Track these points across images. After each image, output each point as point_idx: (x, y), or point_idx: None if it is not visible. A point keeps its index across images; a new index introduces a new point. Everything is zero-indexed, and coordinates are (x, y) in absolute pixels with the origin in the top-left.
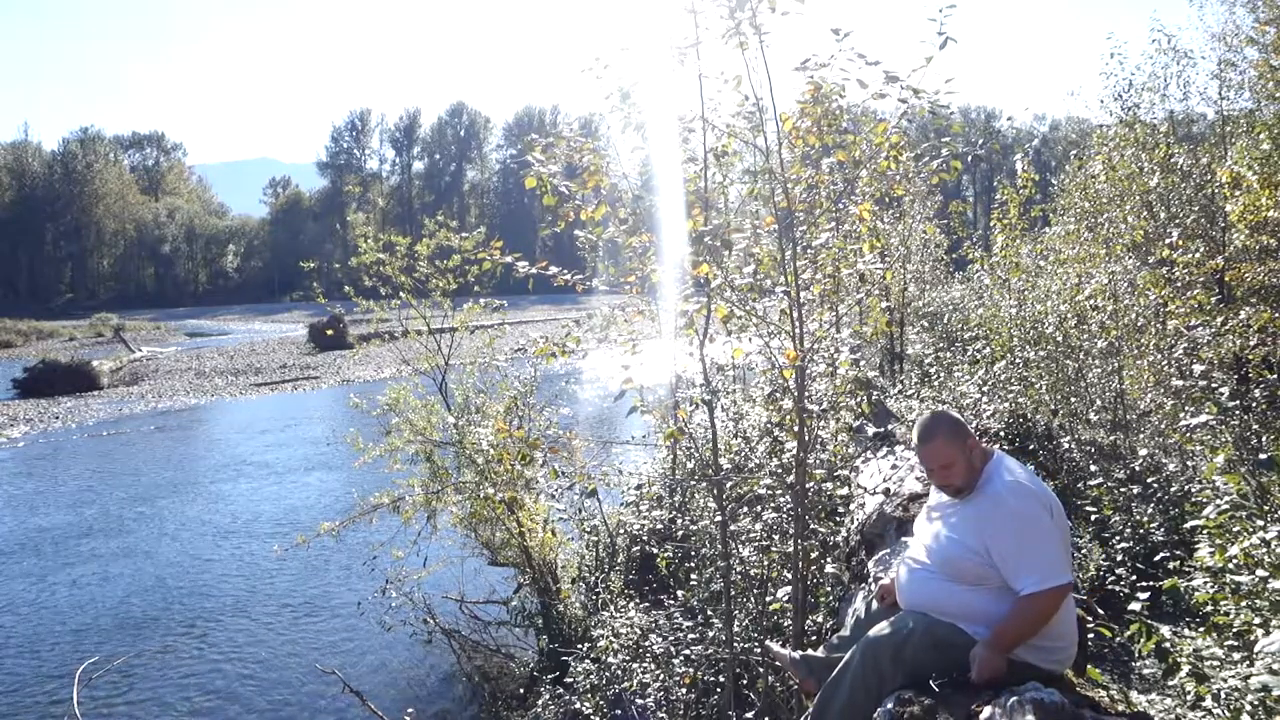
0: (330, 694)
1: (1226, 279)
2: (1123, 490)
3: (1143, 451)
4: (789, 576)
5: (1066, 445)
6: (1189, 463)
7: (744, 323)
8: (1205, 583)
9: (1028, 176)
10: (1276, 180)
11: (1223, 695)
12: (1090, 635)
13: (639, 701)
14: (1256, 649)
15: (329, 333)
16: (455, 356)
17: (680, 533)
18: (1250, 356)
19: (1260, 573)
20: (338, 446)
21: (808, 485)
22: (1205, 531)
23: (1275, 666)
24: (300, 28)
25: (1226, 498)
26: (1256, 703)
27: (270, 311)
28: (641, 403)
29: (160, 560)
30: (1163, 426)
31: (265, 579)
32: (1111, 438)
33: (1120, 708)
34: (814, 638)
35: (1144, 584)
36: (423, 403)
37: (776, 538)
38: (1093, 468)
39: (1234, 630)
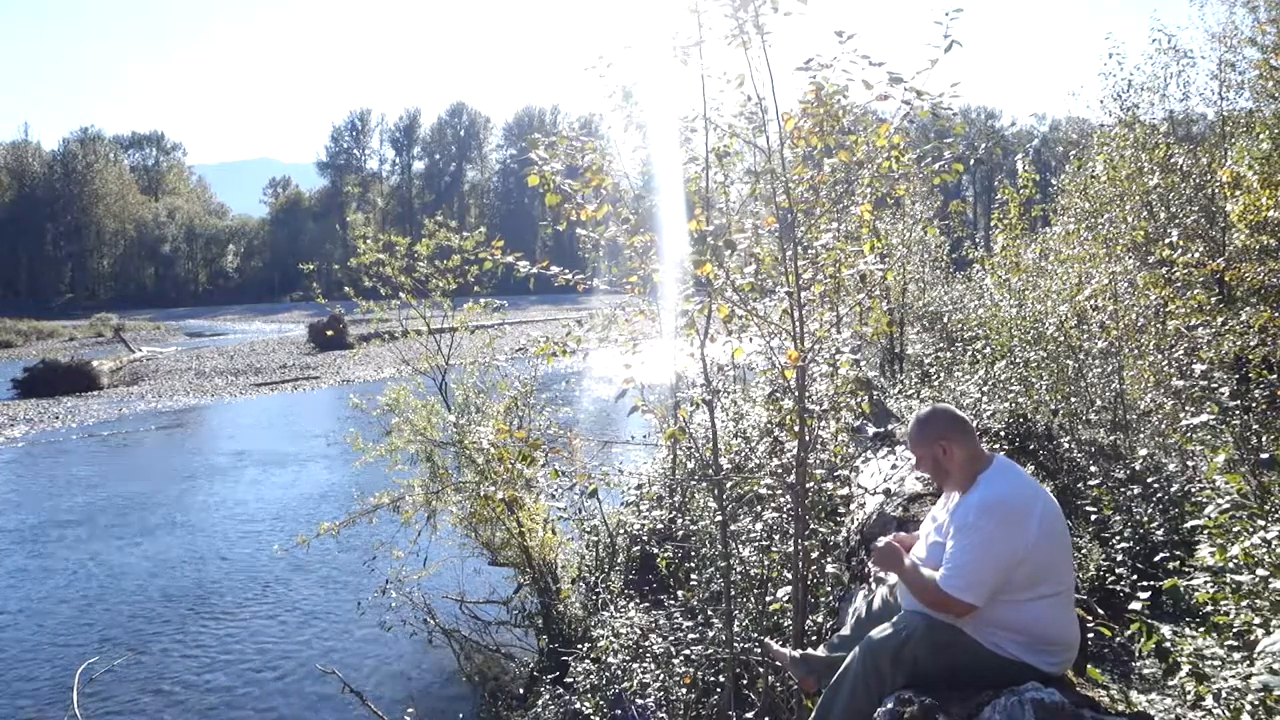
0: (330, 694)
1: (1226, 279)
2: (1123, 490)
3: (1143, 451)
4: (789, 576)
5: (1066, 445)
6: (1189, 463)
7: (745, 323)
8: (1205, 582)
9: (1028, 176)
10: (1276, 180)
11: (1223, 695)
12: (1090, 635)
13: (639, 701)
14: (1257, 649)
15: (329, 333)
16: (455, 356)
17: (680, 533)
18: (1250, 356)
19: (1260, 572)
20: (338, 446)
21: (808, 485)
22: (1205, 531)
23: (1275, 666)
24: (300, 28)
25: (1227, 498)
26: (1256, 703)
27: (270, 311)
28: (642, 402)
29: (160, 560)
30: (1163, 426)
31: (265, 578)
32: (1111, 438)
33: (1120, 708)
34: (814, 638)
35: (1144, 584)
36: (423, 403)
37: (776, 538)
38: (1093, 468)
39: (1234, 630)
